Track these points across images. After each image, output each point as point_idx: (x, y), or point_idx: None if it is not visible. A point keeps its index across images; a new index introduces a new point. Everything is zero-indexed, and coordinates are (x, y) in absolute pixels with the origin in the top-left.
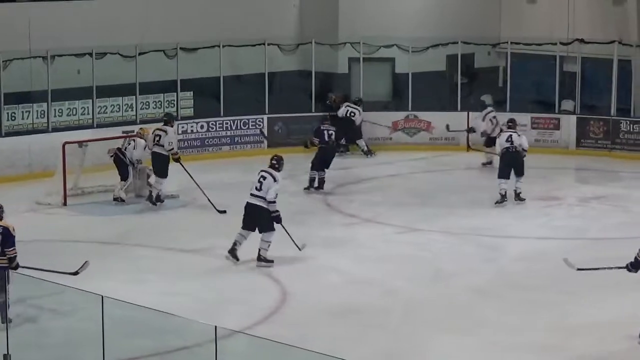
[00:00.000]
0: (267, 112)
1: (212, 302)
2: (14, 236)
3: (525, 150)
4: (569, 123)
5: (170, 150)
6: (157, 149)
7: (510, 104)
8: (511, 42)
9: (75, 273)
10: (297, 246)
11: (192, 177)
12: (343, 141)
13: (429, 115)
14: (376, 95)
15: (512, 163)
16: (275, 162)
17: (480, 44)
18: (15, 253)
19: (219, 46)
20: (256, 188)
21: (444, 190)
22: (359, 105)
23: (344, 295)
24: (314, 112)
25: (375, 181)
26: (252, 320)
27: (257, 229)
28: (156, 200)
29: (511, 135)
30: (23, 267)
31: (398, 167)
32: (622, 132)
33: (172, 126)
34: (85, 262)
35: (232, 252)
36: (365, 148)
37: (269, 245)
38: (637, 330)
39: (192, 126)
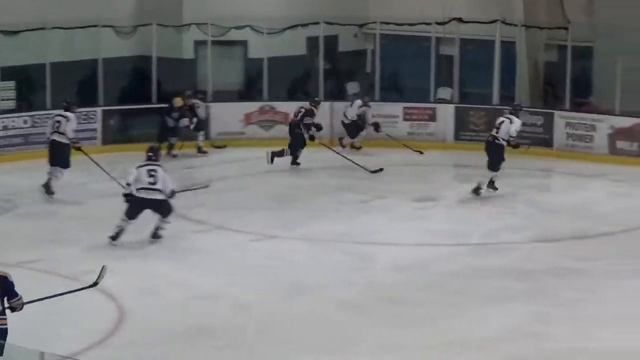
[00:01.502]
0: (101, 103)
1: (39, 323)
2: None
3: (511, 138)
4: (446, 113)
5: (72, 138)
6: (56, 137)
7: (380, 92)
8: (380, 22)
9: (95, 284)
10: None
11: (99, 166)
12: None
13: (287, 105)
14: (227, 84)
15: (487, 153)
16: (152, 154)
17: (345, 24)
18: (21, 301)
19: (44, 28)
20: (150, 183)
21: (305, 192)
22: (199, 99)
23: (190, 312)
24: (155, 104)
25: (227, 182)
26: (84, 344)
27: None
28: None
29: (503, 121)
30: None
31: (253, 165)
32: None
33: (74, 112)
34: (103, 267)
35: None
36: (201, 144)
37: None
38: (523, 346)
39: (13, 121)
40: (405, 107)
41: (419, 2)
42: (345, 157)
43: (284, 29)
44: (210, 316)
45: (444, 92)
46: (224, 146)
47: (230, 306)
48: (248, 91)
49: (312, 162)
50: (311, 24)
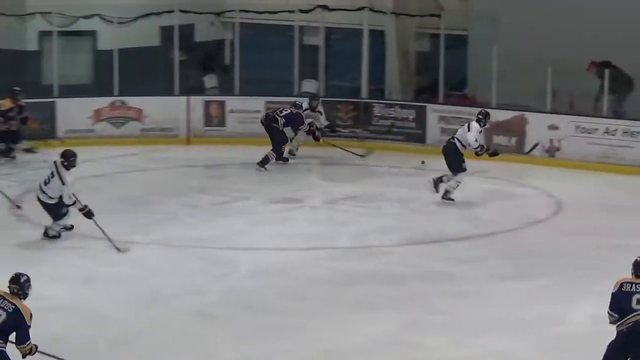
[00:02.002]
0: None
1: None
2: (28, 327)
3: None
4: None
5: None
6: None
7: (240, 86)
8: (240, 10)
9: None
10: (117, 248)
11: None
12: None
13: (140, 101)
14: (74, 78)
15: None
16: (63, 159)
17: (202, 12)
18: (29, 350)
19: None
20: (44, 182)
21: (160, 194)
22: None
23: (41, 325)
24: None
25: (76, 184)
26: None
27: None
28: None
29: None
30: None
31: (102, 166)
32: (376, 117)
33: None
34: None
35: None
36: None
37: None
38: (396, 356)
39: None
40: (267, 102)
41: None
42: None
43: (136, 18)
44: (62, 329)
45: (309, 85)
46: (34, 150)
47: (82, 318)
48: (97, 85)
49: (168, 161)
50: (165, 12)
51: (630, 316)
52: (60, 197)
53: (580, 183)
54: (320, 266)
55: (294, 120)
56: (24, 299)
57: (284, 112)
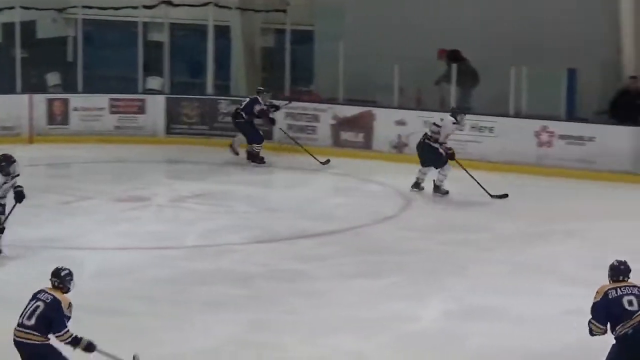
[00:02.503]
0: None
1: None
2: (66, 318)
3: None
4: (156, 105)
5: None
6: None
7: (84, 83)
8: (82, 7)
9: None
10: None
11: None
12: None
13: None
14: None
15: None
16: None
17: (44, 8)
18: (68, 338)
19: None
20: None
21: None
22: None
23: None
24: None
25: None
26: None
27: None
28: None
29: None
30: None
31: None
32: (221, 114)
33: None
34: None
35: None
36: None
37: None
38: (246, 357)
39: None
40: (111, 99)
41: None
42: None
43: None
44: None
45: (154, 82)
46: None
47: None
48: None
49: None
50: (6, 8)
51: (633, 318)
52: None
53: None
54: (167, 266)
55: (249, 107)
56: (66, 292)
57: (243, 104)
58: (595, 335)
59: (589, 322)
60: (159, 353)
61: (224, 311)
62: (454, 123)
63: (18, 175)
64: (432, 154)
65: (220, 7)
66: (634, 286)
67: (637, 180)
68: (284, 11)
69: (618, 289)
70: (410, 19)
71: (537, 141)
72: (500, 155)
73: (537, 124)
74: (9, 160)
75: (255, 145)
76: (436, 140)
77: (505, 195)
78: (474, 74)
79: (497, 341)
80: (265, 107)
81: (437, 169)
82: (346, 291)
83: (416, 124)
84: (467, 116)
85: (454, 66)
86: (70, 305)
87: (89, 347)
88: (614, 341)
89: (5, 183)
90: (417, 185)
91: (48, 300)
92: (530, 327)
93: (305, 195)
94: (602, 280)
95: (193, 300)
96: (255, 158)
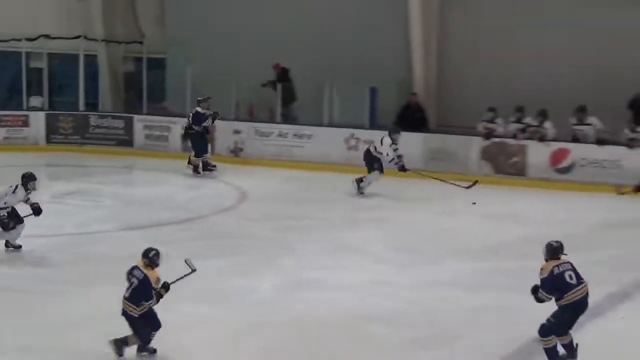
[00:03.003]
0: None
1: None
2: (154, 289)
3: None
4: (38, 119)
5: None
6: None
7: None
8: None
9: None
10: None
11: None
12: None
13: None
14: None
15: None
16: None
17: None
18: (156, 302)
19: None
20: None
21: None
22: None
23: None
24: None
25: None
26: None
27: None
28: None
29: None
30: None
31: None
32: (92, 126)
33: None
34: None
35: None
36: None
37: None
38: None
39: None
40: (1, 115)
41: (11, 20)
42: None
43: None
44: None
45: (36, 101)
46: None
47: None
48: None
49: None
50: None
51: (576, 289)
52: None
53: (261, 177)
54: (52, 250)
55: (198, 119)
56: (154, 268)
57: (190, 119)
58: (544, 302)
59: (539, 293)
60: (41, 322)
61: (100, 285)
62: (392, 144)
63: (35, 190)
64: (372, 161)
65: (89, 39)
66: (569, 262)
67: (426, 176)
68: (141, 42)
69: (560, 266)
70: (246, 47)
71: (346, 145)
72: (318, 157)
73: (346, 132)
74: (31, 177)
75: (205, 154)
76: (379, 153)
77: (476, 182)
78: (293, 93)
79: (320, 306)
80: (209, 124)
81: (369, 172)
82: (201, 268)
83: (250, 132)
84: (291, 126)
85: (279, 86)
86: (158, 279)
87: (167, 288)
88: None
89: (23, 197)
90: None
91: (140, 277)
92: (346, 294)
93: (163, 191)
94: (404, 258)
95: (73, 278)
96: (206, 166)
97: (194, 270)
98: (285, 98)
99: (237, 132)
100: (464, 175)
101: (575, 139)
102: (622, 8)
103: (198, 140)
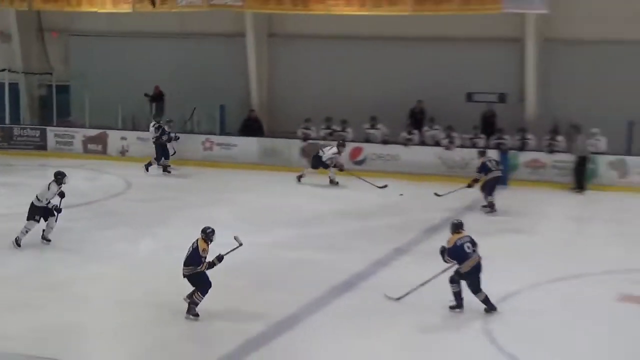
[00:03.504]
0: None
1: None
2: (202, 257)
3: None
4: None
5: None
6: None
7: None
8: None
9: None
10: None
11: None
12: None
13: None
14: None
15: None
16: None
17: None
18: (205, 267)
19: None
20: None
21: None
22: None
23: None
24: None
25: None
26: None
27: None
28: None
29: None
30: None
31: None
32: (15, 135)
33: None
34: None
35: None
36: None
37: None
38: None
39: None
40: None
41: None
42: None
43: None
44: None
45: None
46: None
47: None
48: None
49: None
50: None
51: (471, 258)
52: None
53: (142, 172)
54: None
55: (165, 134)
56: (208, 241)
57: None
58: (447, 263)
59: (445, 258)
60: None
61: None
62: (335, 153)
63: (65, 184)
64: (317, 162)
65: (12, 72)
66: (468, 236)
67: (262, 169)
68: (51, 74)
69: (461, 238)
70: (129, 77)
71: (202, 147)
72: (185, 155)
73: (203, 137)
74: (63, 174)
75: (165, 160)
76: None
77: (386, 186)
78: (163, 109)
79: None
80: (172, 139)
81: (312, 168)
82: (103, 239)
83: (133, 138)
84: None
85: (154, 105)
86: (204, 250)
87: (220, 259)
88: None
89: (57, 190)
90: (300, 177)
91: (194, 247)
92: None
93: (69, 182)
94: (246, 227)
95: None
96: (166, 169)
97: (241, 244)
98: (157, 112)
99: (123, 138)
100: (289, 167)
101: (367, 140)
102: (397, 49)
103: (162, 150)
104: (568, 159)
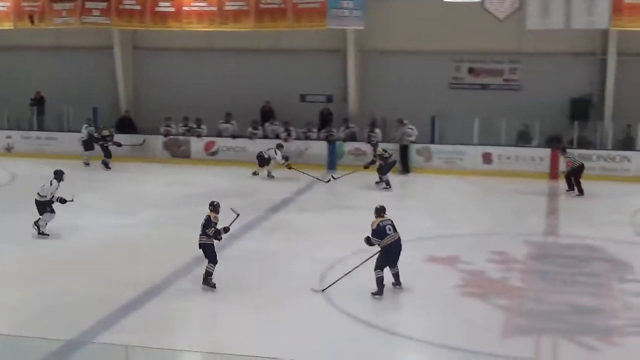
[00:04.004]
0: None
1: None
2: (214, 223)
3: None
4: None
5: None
6: None
7: None
8: None
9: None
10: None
11: None
12: None
13: None
14: None
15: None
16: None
17: None
18: (213, 232)
19: None
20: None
21: None
22: None
23: None
24: None
25: None
26: None
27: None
28: None
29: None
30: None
31: None
32: None
33: None
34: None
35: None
36: None
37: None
38: None
39: None
40: None
41: None
42: None
43: None
44: None
45: None
46: None
47: None
48: None
49: None
50: None
51: (388, 237)
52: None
53: (26, 165)
54: None
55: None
56: (215, 212)
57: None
58: (373, 245)
59: (371, 240)
60: None
61: None
62: (276, 153)
63: (63, 180)
64: (262, 160)
65: None
66: (390, 219)
67: (170, 162)
68: None
69: (383, 221)
70: (11, 82)
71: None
72: (63, 152)
73: (79, 134)
74: (62, 171)
75: (107, 158)
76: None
77: (332, 179)
78: (44, 112)
79: (86, 236)
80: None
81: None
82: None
83: (17, 137)
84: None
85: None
86: (216, 217)
87: (226, 230)
88: None
89: (57, 185)
90: (255, 173)
91: (206, 218)
92: (92, 232)
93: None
94: (118, 210)
95: None
96: (107, 165)
97: (238, 215)
98: (39, 114)
99: (9, 137)
100: (154, 158)
101: (219, 135)
102: (244, 58)
103: (107, 150)
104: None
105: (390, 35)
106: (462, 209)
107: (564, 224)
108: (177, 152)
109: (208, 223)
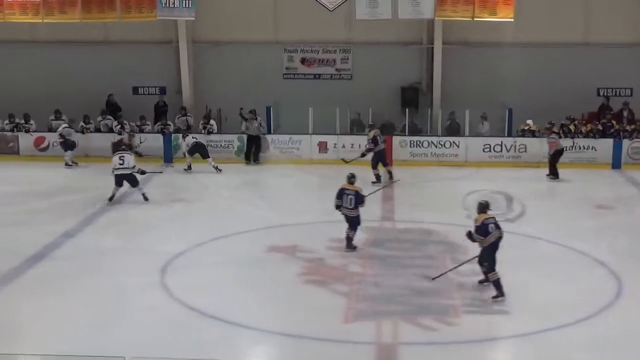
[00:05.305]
0: None
1: None
2: (364, 196)
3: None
4: None
5: None
6: None
7: None
8: None
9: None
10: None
11: None
12: None
13: None
14: None
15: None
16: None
17: None
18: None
19: None
20: (120, 164)
21: None
22: None
23: None
24: None
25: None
26: None
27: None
28: None
29: None
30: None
31: None
32: None
33: None
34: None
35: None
36: None
37: None
38: None
39: None
40: None
41: None
42: None
43: None
44: None
45: None
46: None
47: None
48: None
49: None
50: None
51: (491, 235)
52: None
53: None
54: None
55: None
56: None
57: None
58: (475, 242)
59: (472, 234)
60: None
61: None
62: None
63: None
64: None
65: None
66: (493, 217)
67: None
68: None
69: (487, 219)
70: None
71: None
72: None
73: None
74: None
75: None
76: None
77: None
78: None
79: None
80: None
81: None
82: None
83: None
84: None
85: None
86: (361, 189)
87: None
88: None
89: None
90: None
91: (354, 192)
92: None
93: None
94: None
95: None
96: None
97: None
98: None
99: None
100: None
101: (50, 130)
102: (72, 51)
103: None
104: (230, 138)
105: (223, 25)
106: (301, 198)
107: (399, 210)
108: (6, 149)
109: (358, 198)
